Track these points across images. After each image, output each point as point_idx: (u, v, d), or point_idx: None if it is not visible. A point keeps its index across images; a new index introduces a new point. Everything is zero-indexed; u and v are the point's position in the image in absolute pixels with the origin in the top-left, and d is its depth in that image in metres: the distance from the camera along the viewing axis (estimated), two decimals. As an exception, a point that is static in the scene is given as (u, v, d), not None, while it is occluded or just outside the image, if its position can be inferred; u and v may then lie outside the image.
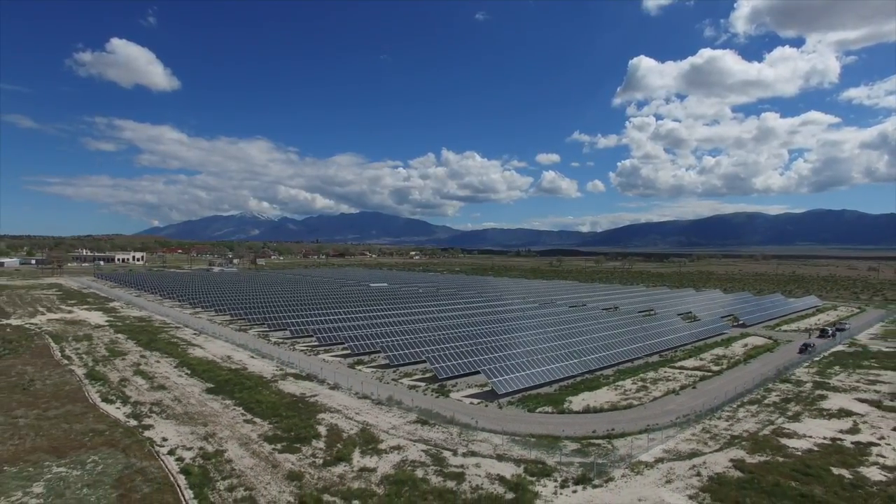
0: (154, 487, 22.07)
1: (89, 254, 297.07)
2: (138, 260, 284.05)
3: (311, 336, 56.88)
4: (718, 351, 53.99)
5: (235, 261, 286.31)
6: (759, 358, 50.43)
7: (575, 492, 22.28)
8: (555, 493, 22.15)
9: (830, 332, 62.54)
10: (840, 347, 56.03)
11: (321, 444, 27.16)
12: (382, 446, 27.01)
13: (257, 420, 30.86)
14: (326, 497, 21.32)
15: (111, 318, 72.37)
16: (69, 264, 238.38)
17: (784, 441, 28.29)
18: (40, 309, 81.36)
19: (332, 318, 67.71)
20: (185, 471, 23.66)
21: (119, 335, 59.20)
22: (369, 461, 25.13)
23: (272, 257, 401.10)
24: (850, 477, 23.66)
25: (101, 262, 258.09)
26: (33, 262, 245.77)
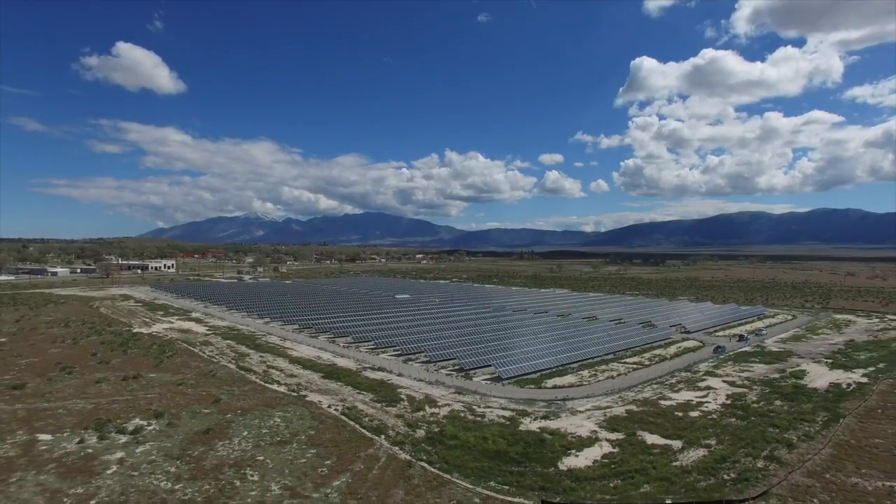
0: (334, 420, 44.82)
1: (124, 262, 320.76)
2: (170, 268, 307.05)
3: (370, 341, 79.76)
4: (658, 351, 76.35)
5: (260, 269, 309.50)
6: (682, 356, 72.80)
7: (540, 422, 44.88)
8: (529, 423, 44.72)
9: (746, 336, 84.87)
10: (746, 348, 78.30)
11: (405, 403, 49.87)
12: (439, 403, 49.73)
13: (364, 392, 53.61)
14: (419, 423, 44.03)
15: (209, 328, 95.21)
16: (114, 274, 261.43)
17: (661, 402, 50.78)
18: (145, 320, 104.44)
19: (380, 326, 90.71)
20: (344, 414, 46.38)
21: (229, 341, 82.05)
22: (434, 410, 47.83)
23: (288, 262, 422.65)
24: (682, 416, 46.20)
25: (139, 271, 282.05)
26: (78, 270, 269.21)
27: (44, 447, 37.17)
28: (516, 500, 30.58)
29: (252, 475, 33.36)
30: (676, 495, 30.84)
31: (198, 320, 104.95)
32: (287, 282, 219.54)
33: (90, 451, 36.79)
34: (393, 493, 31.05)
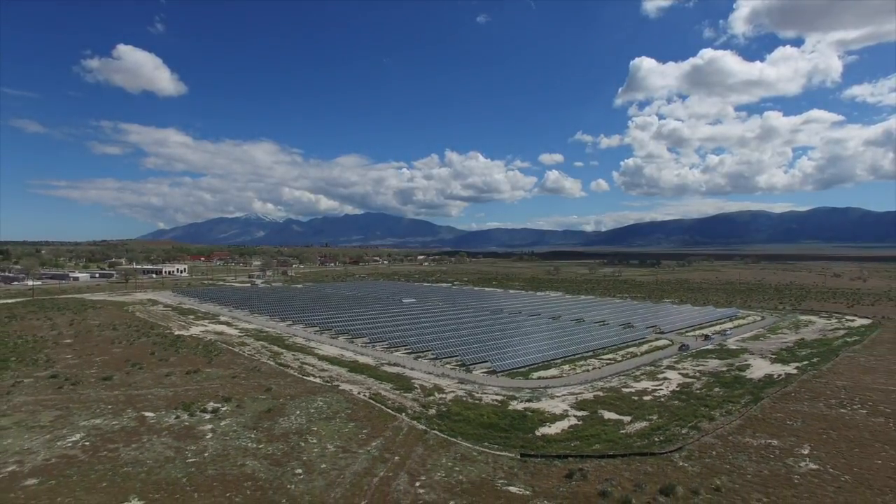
0: (364, 403, 57.26)
1: (138, 266, 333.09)
2: (183, 272, 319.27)
3: (384, 341, 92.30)
4: (632, 349, 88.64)
5: (268, 273, 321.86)
6: (651, 353, 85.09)
7: (525, 404, 57.29)
8: (516, 404, 57.10)
9: (711, 336, 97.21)
10: (709, 346, 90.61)
11: (419, 391, 62.33)
12: (446, 391, 62.21)
13: (384, 382, 66.06)
14: (430, 405, 56.46)
15: (240, 331, 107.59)
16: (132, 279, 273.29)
17: (623, 389, 63.15)
18: (181, 323, 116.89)
19: (392, 328, 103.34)
20: (371, 398, 58.83)
21: (261, 342, 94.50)
22: (442, 395, 60.29)
23: (293, 265, 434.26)
24: (637, 399, 58.58)
25: (154, 275, 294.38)
26: (97, 275, 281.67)
27: (152, 421, 49.79)
28: (503, 453, 43.08)
29: (312, 440, 45.88)
30: (617, 450, 43.29)
31: (227, 323, 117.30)
32: (297, 286, 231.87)
33: (187, 423, 49.37)
34: (415, 450, 43.56)
